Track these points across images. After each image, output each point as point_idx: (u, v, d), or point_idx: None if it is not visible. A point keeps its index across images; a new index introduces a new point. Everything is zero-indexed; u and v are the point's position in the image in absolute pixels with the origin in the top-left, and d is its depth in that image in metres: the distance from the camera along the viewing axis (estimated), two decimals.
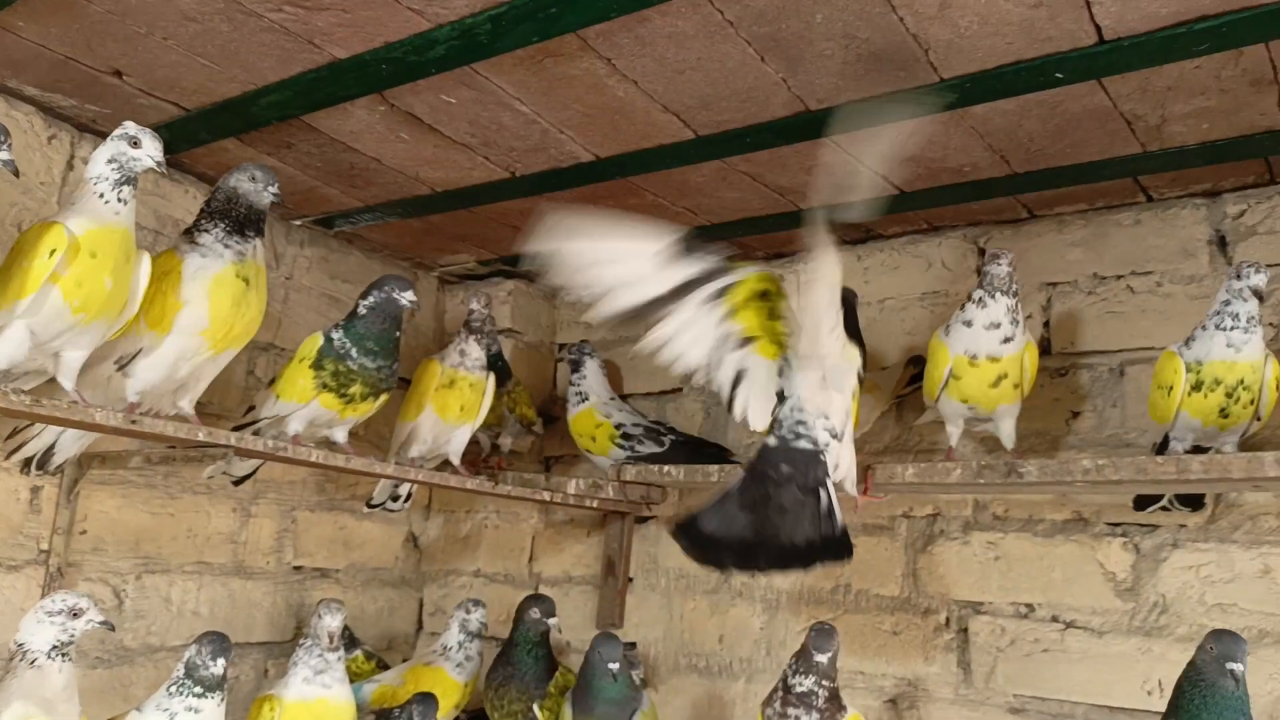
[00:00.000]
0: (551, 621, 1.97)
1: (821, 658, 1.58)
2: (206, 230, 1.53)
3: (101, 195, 1.36)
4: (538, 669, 1.97)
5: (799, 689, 1.59)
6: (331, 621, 1.68)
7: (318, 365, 1.69)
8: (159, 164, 1.39)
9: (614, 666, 1.74)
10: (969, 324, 1.64)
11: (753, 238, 2.19)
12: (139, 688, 1.88)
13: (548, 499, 2.11)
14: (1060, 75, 1.40)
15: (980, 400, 1.65)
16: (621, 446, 2.17)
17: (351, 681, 1.88)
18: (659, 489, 2.18)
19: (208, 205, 1.56)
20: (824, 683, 1.58)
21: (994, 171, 1.76)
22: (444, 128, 1.70)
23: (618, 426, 2.19)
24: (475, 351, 1.97)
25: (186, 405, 1.59)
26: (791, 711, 1.58)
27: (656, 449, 2.16)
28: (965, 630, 1.94)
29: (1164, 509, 1.71)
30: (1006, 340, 1.62)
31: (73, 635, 1.36)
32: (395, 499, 2.16)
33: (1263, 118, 1.53)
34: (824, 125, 1.58)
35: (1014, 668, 1.87)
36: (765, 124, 1.61)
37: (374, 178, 1.94)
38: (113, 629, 1.43)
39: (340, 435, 1.80)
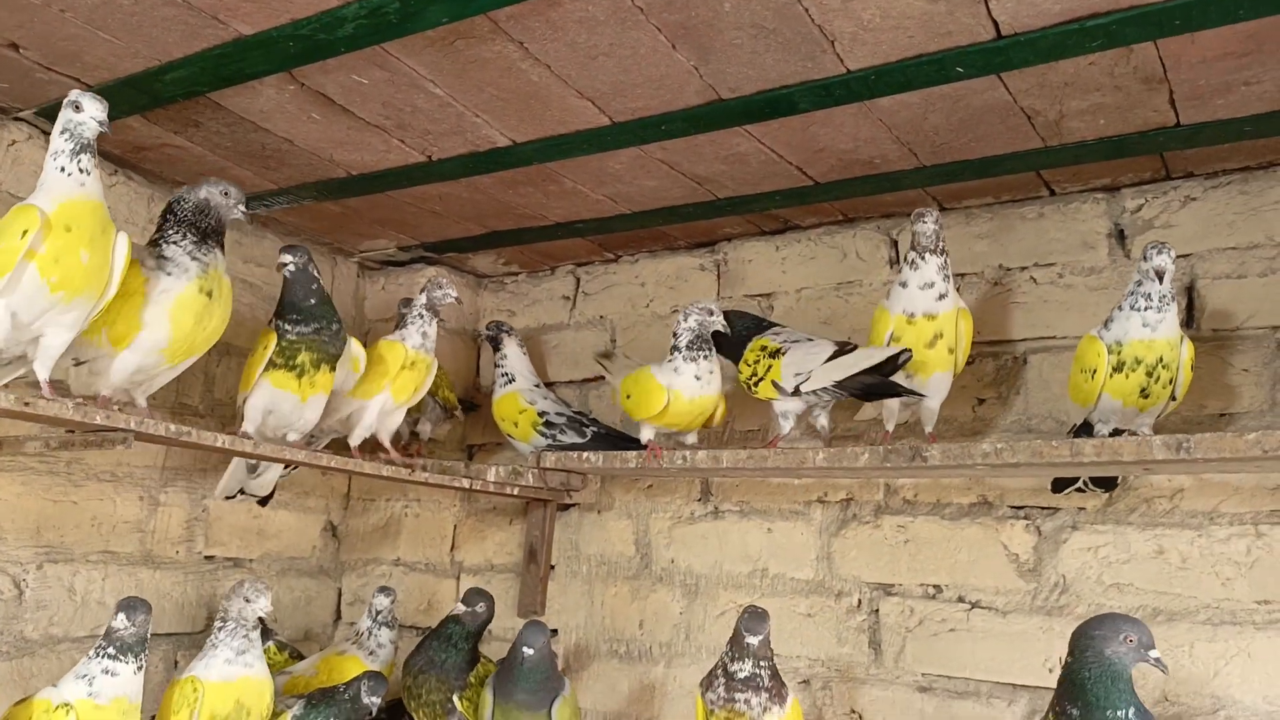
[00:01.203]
0: (461, 608, 1.95)
1: (753, 640, 1.60)
2: (174, 242, 1.56)
3: (63, 169, 1.37)
4: (459, 659, 1.94)
5: (742, 674, 1.61)
6: (264, 605, 1.65)
7: (265, 346, 1.73)
8: (102, 124, 1.40)
9: (527, 651, 1.74)
10: (904, 285, 1.70)
11: (673, 226, 2.20)
12: (41, 680, 1.82)
13: (467, 486, 2.10)
14: (960, 70, 1.44)
15: (917, 365, 1.70)
16: (543, 434, 2.17)
17: None
18: (579, 476, 2.19)
19: (173, 214, 1.59)
20: (762, 664, 1.61)
21: (903, 164, 1.80)
22: (357, 109, 1.68)
23: (541, 414, 2.19)
24: (434, 334, 1.99)
25: (140, 398, 1.62)
26: (740, 695, 1.60)
27: (578, 439, 2.17)
28: (876, 611, 1.99)
29: (1079, 490, 1.77)
30: (941, 297, 1.69)
31: None
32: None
33: (1156, 114, 1.59)
34: (736, 114, 1.61)
35: (922, 647, 1.92)
36: (679, 111, 1.62)
37: (286, 159, 1.90)
38: None
39: (294, 433, 1.81)
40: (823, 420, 1.85)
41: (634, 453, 1.98)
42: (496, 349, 2.31)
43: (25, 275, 1.31)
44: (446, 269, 2.56)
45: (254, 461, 1.92)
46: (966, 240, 2.02)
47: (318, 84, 1.61)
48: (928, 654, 1.92)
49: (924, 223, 1.68)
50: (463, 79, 1.56)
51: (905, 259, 1.72)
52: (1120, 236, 1.91)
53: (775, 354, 1.86)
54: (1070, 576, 1.82)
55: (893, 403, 1.77)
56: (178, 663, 2.09)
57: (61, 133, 1.39)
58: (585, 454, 2.04)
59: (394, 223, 2.26)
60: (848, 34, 1.38)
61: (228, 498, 1.98)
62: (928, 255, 1.68)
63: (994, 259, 2.00)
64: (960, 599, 1.91)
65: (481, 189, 2.02)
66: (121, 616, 1.48)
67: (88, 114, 1.39)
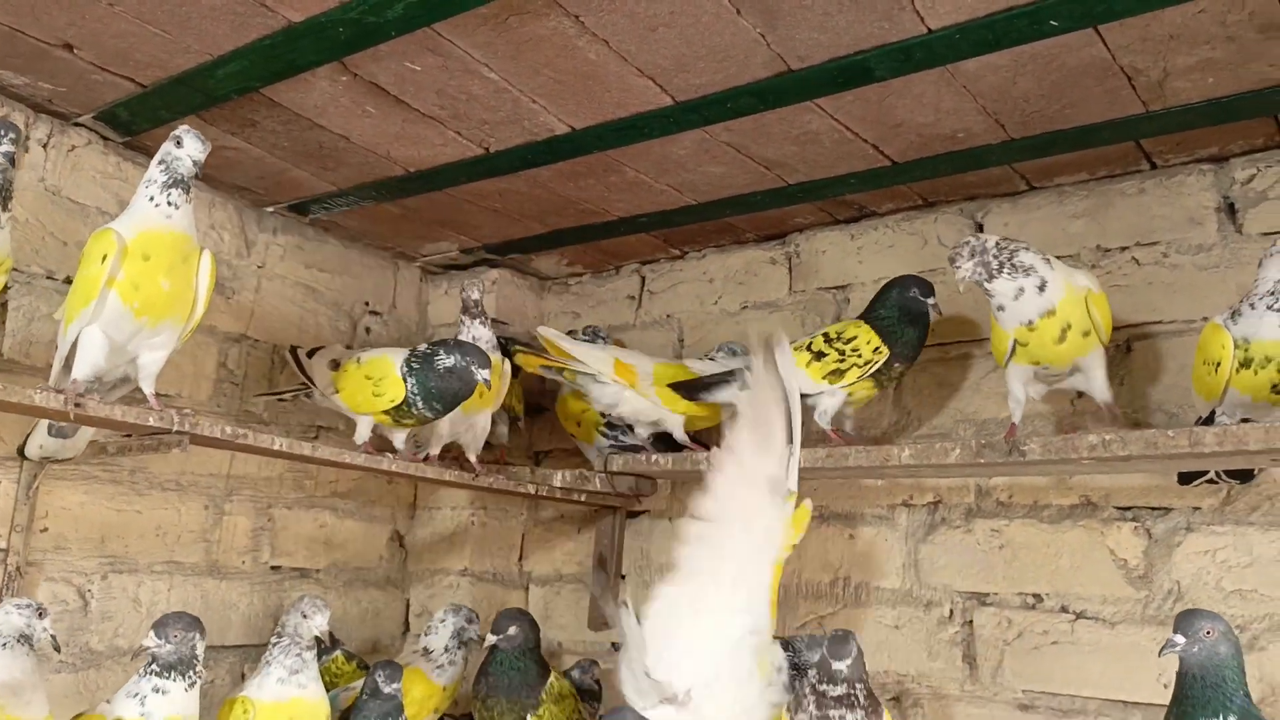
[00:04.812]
0: (493, 638, 1.80)
1: (841, 665, 1.49)
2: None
3: (152, 199, 1.39)
4: (526, 674, 1.81)
5: (834, 694, 1.50)
6: (321, 622, 1.61)
7: (395, 404, 1.75)
8: (196, 164, 1.41)
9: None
10: (1002, 309, 1.54)
11: (741, 218, 2.11)
12: (106, 692, 1.78)
13: (533, 492, 2.03)
14: (1055, 23, 1.32)
15: (1052, 360, 1.55)
16: (606, 436, 2.09)
17: (330, 686, 1.81)
18: (649, 480, 2.10)
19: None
20: (857, 685, 1.50)
21: (989, 138, 1.68)
22: (411, 99, 1.63)
23: (603, 414, 2.10)
24: (485, 335, 1.93)
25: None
26: (834, 713, 1.49)
27: (638, 443, 2.08)
28: (970, 623, 1.85)
29: (1210, 482, 1.61)
30: (1041, 289, 1.50)
31: (33, 631, 1.37)
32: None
33: (1273, 69, 1.44)
34: (807, 86, 1.51)
35: (1022, 662, 1.78)
36: (745, 86, 1.53)
37: (344, 157, 1.86)
38: (58, 650, 1.45)
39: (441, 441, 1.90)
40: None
41: (705, 454, 1.88)
42: None
43: (109, 300, 1.34)
44: (509, 271, 2.51)
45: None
46: (1060, 221, 1.88)
47: (370, 74, 1.56)
48: (1028, 669, 1.77)
49: (955, 266, 1.56)
50: (517, 60, 1.50)
51: (983, 288, 1.55)
52: (1230, 210, 1.75)
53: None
54: (1185, 583, 1.66)
55: (1018, 388, 1.60)
56: (244, 675, 2.05)
57: (159, 163, 1.40)
58: (655, 457, 1.95)
59: (454, 223, 2.21)
60: None
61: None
62: (996, 275, 1.52)
63: (1091, 240, 1.85)
64: (1063, 609, 1.76)
65: (541, 183, 1.95)
66: (152, 634, 1.44)
67: (185, 151, 1.40)
